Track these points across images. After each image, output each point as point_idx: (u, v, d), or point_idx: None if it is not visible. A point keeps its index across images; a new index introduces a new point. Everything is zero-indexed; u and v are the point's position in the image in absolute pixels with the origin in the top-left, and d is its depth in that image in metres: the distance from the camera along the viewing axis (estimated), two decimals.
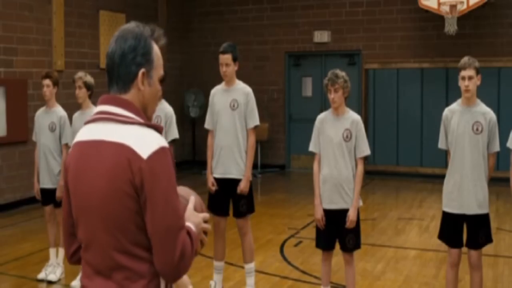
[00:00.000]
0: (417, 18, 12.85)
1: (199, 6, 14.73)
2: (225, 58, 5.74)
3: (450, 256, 5.12)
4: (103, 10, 12.20)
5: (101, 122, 2.16)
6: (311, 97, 13.95)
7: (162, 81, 2.27)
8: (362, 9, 13.41)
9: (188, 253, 2.10)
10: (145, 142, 2.08)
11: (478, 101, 5.04)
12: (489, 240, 5.05)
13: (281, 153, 14.28)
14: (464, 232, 5.09)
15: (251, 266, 5.89)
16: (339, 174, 5.13)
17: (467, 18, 12.03)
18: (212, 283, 5.98)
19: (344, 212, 5.14)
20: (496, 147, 4.98)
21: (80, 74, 6.36)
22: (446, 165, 5.27)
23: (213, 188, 5.84)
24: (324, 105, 13.82)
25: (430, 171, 12.48)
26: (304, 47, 13.95)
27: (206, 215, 2.30)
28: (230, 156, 5.78)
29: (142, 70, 2.16)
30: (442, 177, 5.37)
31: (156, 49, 2.22)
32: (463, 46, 12.42)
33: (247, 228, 5.87)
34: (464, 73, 4.89)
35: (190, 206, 2.27)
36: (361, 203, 5.24)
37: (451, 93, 12.62)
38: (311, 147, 5.33)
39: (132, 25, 2.22)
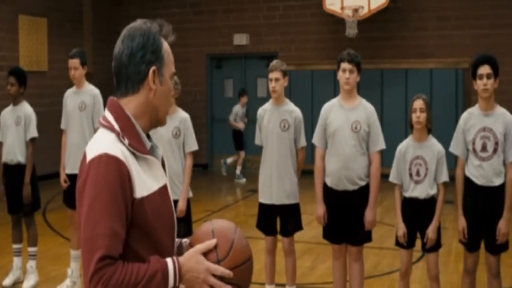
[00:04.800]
0: (330, 21, 13.31)
1: (125, 9, 15.08)
2: (74, 62, 6.17)
3: (266, 243, 5.57)
4: (23, 14, 12.46)
5: None
6: (232, 98, 14.37)
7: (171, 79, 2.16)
8: (279, 13, 13.87)
9: (111, 285, 1.84)
10: (95, 145, 2.00)
11: (287, 100, 5.50)
12: (298, 227, 5.51)
13: (203, 153, 14.66)
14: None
15: None
16: (169, 168, 5.54)
17: (376, 22, 12.54)
18: (69, 270, 6.37)
19: (174, 203, 5.56)
20: (303, 143, 5.45)
21: None
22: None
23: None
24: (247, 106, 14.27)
25: None
26: (224, 49, 14.38)
27: (218, 268, 1.97)
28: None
29: (153, 68, 2.06)
30: None
31: (166, 46, 2.12)
32: (373, 48, 12.95)
33: None
34: (271, 75, 5.35)
35: (199, 247, 1.99)
36: (191, 194, 5.68)
37: (363, 93, 13.08)
38: None
39: (138, 23, 2.12)
